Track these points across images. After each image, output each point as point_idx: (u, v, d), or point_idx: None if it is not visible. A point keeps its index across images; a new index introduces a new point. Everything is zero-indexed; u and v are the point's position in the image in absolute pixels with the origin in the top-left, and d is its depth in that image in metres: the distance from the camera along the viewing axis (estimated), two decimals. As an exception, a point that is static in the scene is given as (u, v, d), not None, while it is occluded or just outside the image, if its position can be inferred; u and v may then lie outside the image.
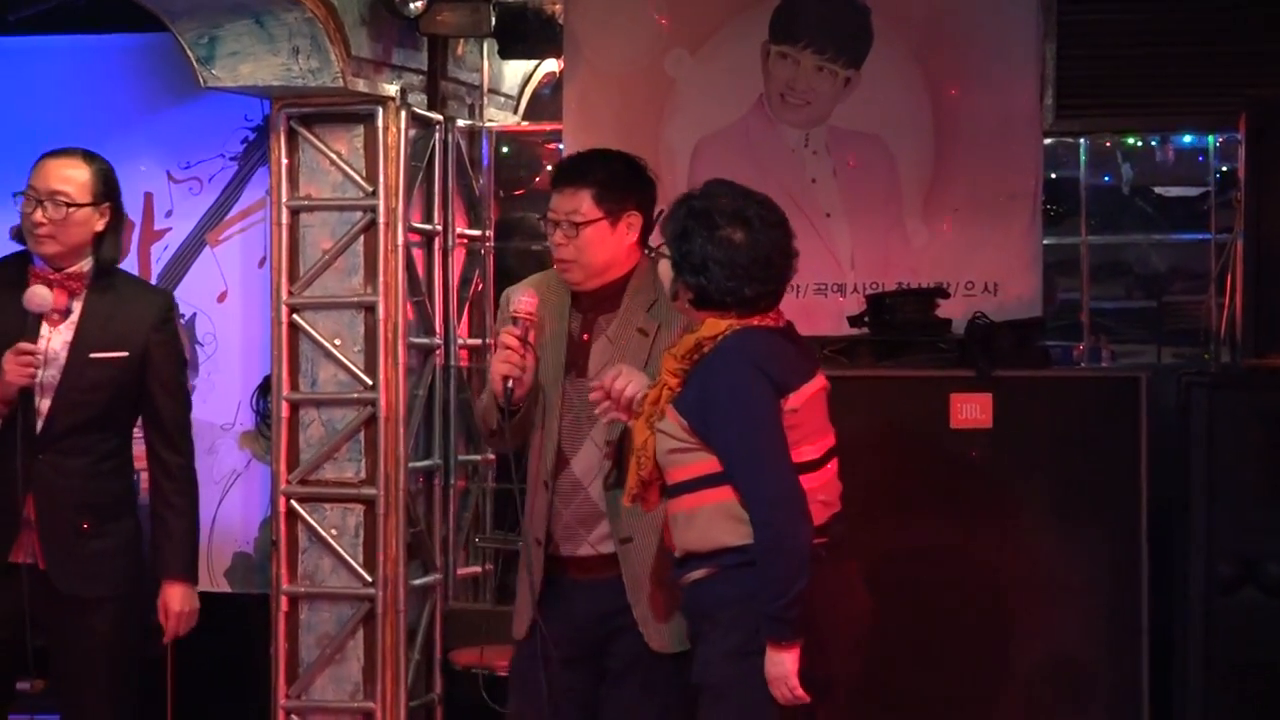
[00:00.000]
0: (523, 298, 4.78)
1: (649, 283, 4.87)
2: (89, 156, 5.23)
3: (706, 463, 4.44)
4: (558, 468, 4.86)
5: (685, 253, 4.50)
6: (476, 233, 7.32)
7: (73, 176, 5.16)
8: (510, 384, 4.72)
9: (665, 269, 4.58)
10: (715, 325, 4.49)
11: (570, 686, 4.90)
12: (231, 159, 7.30)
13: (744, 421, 4.39)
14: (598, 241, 4.80)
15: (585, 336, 4.89)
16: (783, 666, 4.36)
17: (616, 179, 4.86)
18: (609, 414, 4.61)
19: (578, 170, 4.89)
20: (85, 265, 5.19)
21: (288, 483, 6.81)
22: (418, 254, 6.95)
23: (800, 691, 4.37)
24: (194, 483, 5.40)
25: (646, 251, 4.83)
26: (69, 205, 5.09)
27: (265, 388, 7.11)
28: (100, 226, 5.19)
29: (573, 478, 4.87)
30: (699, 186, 4.62)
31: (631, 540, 4.81)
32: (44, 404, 5.10)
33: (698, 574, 4.50)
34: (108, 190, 5.23)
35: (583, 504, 4.86)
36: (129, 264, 7.11)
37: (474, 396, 4.96)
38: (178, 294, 7.07)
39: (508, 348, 4.74)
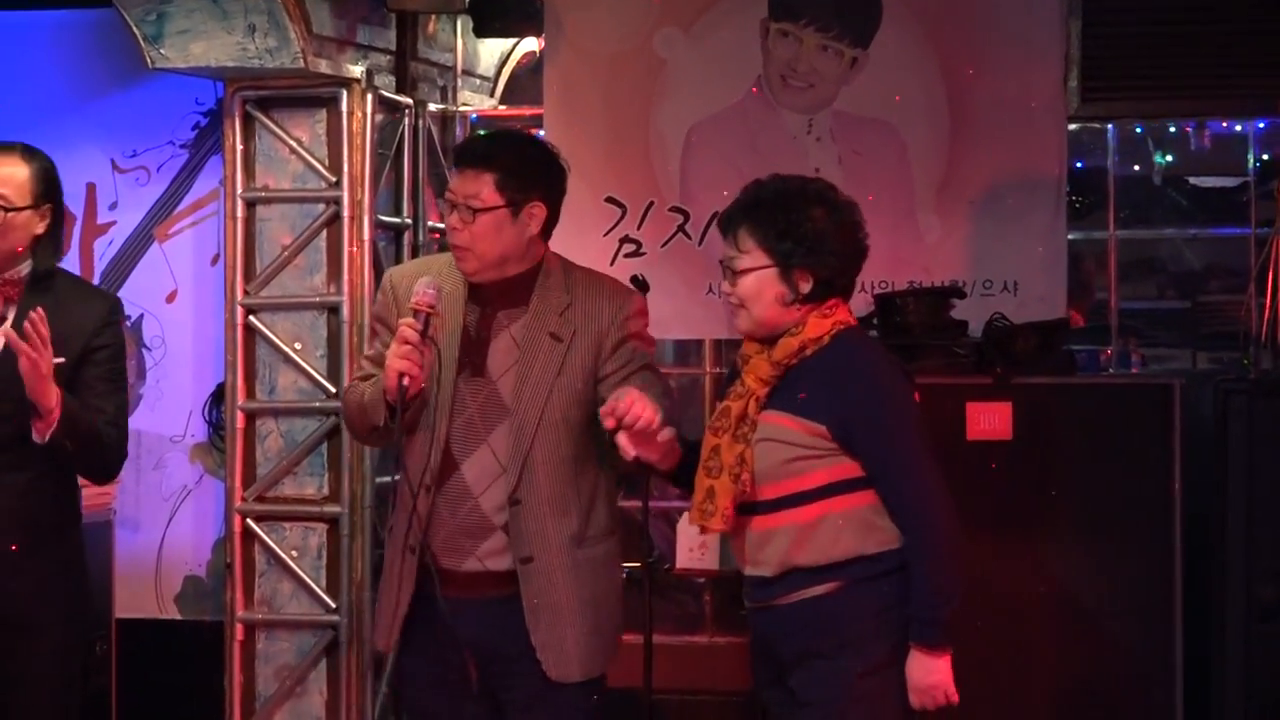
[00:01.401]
0: (426, 289, 4.67)
1: (561, 283, 4.82)
2: (29, 153, 5.09)
3: (840, 467, 4.51)
4: (444, 471, 4.77)
5: (804, 235, 4.51)
6: (449, 227, 7.34)
7: (10, 176, 5.06)
8: (406, 381, 4.62)
9: (758, 283, 4.54)
10: (820, 325, 4.55)
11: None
12: (182, 147, 7.30)
13: (899, 417, 4.52)
14: (494, 231, 4.71)
15: (484, 333, 4.81)
16: (939, 674, 4.49)
17: (524, 165, 4.76)
18: (630, 449, 4.44)
19: (483, 152, 4.78)
20: (23, 269, 5.08)
21: (243, 500, 6.77)
22: (386, 250, 6.89)
23: (956, 696, 4.52)
24: (124, 448, 5.24)
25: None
26: (6, 209, 5.01)
27: (219, 396, 7.06)
28: (40, 230, 5.11)
29: (462, 484, 4.76)
30: (749, 187, 4.64)
31: (533, 560, 4.73)
32: None
33: (818, 589, 4.52)
34: (49, 190, 5.10)
35: (470, 514, 4.76)
36: (70, 260, 7.08)
37: (348, 400, 4.97)
38: (123, 293, 7.22)
39: (407, 342, 4.62)
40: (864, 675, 4.49)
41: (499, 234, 4.72)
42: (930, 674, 4.48)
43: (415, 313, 4.65)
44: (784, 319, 4.57)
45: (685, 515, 6.63)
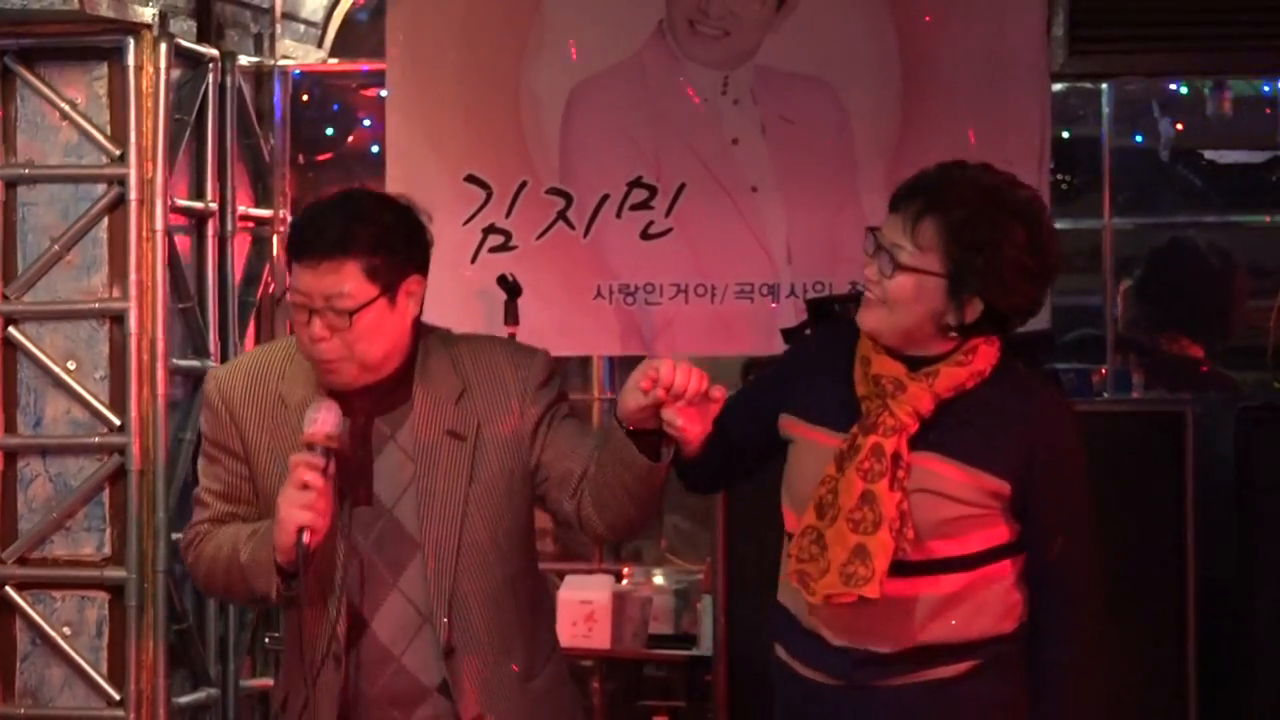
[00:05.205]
0: (323, 414, 4.51)
1: (445, 363, 4.72)
2: None
3: (997, 530, 4.57)
4: (351, 633, 4.68)
5: (998, 259, 4.48)
6: (266, 213, 7.31)
7: None
8: (308, 537, 4.49)
9: (918, 289, 4.52)
10: (990, 355, 4.58)
11: None
12: (-81, 111, 6.92)
13: (1083, 479, 4.61)
14: (375, 329, 4.57)
15: (362, 450, 4.67)
16: None
17: (391, 236, 4.58)
18: (678, 421, 4.36)
19: (335, 236, 4.55)
20: None
21: (1, 563, 6.73)
22: (184, 243, 6.90)
23: None
24: None
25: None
26: None
27: (-32, 430, 6.79)
28: None
29: (377, 646, 4.69)
30: (945, 167, 4.59)
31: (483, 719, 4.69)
32: None
33: (949, 670, 4.56)
34: None
35: (395, 680, 4.69)
36: None
37: (203, 552, 4.78)
38: None
39: (307, 487, 4.48)
40: None
41: (380, 331, 4.58)
42: None
43: (311, 446, 4.49)
44: (928, 341, 4.56)
45: (566, 580, 6.69)
